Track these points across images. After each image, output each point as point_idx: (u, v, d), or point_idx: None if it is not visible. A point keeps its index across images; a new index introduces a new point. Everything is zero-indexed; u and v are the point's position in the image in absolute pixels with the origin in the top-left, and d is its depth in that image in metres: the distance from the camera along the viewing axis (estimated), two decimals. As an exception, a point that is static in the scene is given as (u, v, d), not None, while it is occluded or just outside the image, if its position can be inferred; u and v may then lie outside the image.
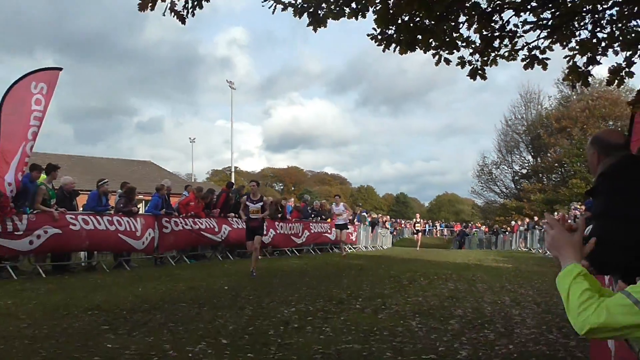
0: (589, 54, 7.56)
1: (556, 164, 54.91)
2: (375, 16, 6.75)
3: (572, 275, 2.00)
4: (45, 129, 13.36)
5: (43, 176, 14.93)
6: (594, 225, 3.99)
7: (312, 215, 25.27)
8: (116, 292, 10.46)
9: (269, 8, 6.48)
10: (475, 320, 8.55)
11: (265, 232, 16.92)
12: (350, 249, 27.09)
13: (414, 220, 43.01)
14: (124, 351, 6.08)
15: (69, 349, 6.12)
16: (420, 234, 38.87)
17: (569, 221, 2.20)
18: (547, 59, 7.63)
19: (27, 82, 13.22)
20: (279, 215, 22.62)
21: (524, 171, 59.37)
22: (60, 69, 14.06)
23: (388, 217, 50.08)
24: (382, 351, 6.28)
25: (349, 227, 24.74)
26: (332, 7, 6.55)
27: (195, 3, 5.69)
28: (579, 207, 26.82)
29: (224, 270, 15.06)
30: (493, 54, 7.65)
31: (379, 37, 7.19)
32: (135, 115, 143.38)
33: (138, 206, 17.57)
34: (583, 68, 7.65)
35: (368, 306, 9.50)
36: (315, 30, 6.61)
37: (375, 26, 6.98)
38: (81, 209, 15.68)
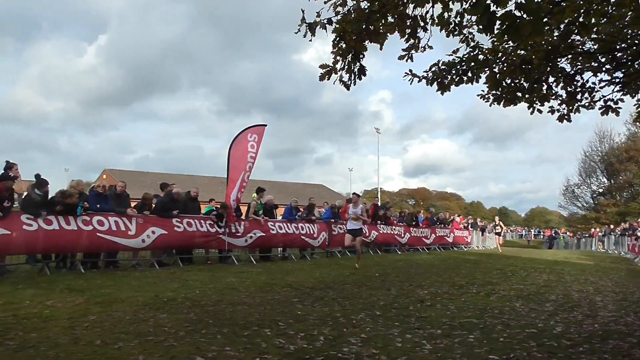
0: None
1: (627, 185, 50.96)
2: (485, 81, 6.60)
3: None
4: (256, 163, 13.98)
5: (254, 195, 15.65)
6: None
7: (437, 223, 24.70)
8: (302, 275, 10.69)
9: (408, 81, 6.48)
10: (566, 304, 7.94)
11: None
12: (464, 248, 26.09)
13: (494, 222, 30.74)
14: (308, 317, 6.18)
15: (272, 313, 6.31)
16: (500, 236, 28.70)
17: None
18: (619, 107, 7.09)
19: (246, 133, 13.97)
20: (414, 222, 22.32)
21: (600, 190, 54.93)
22: (266, 125, 14.71)
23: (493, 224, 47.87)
24: (494, 325, 5.99)
25: (364, 231, 15.56)
26: (454, 76, 6.44)
27: (356, 76, 5.73)
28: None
29: (375, 262, 14.98)
30: (576, 105, 7.21)
31: (488, 96, 6.99)
32: (314, 153, 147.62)
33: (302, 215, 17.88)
34: (650, 112, 7.11)
35: (481, 290, 9.10)
36: (442, 94, 6.54)
37: (484, 88, 6.82)
38: (280, 217, 16.28)
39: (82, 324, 5.40)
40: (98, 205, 11.31)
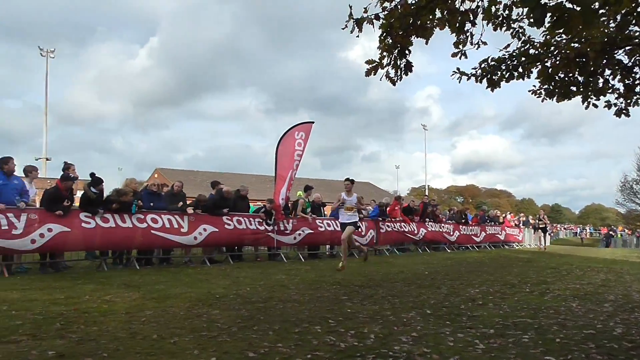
0: None
1: (690, 181, 48.47)
2: (537, 76, 6.41)
3: None
4: (303, 161, 14.06)
5: (300, 193, 15.78)
6: None
7: (487, 221, 24.23)
8: (350, 273, 10.69)
9: (457, 79, 6.35)
10: (626, 304, 7.62)
11: None
12: (516, 246, 25.44)
13: (537, 216, 27.08)
14: (358, 315, 6.18)
15: (322, 310, 6.35)
16: (546, 233, 25.84)
17: None
18: (683, 99, 6.72)
19: (293, 131, 14.07)
20: (463, 220, 22.00)
21: (661, 186, 52.22)
22: (313, 122, 14.76)
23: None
24: (550, 325, 5.82)
25: (359, 225, 12.01)
26: (504, 72, 6.29)
27: (402, 72, 5.68)
28: None
29: (423, 260, 14.85)
30: (635, 98, 6.90)
31: (540, 91, 6.78)
32: (360, 150, 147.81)
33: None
34: None
35: (535, 290, 8.85)
36: (492, 90, 6.38)
37: (536, 83, 6.62)
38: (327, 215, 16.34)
39: (139, 319, 5.58)
40: (151, 204, 11.66)
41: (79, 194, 11.81)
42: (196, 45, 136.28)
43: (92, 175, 10.83)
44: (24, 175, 10.92)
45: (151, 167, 71.36)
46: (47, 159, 42.27)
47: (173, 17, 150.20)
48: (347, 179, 11.04)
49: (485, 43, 5.57)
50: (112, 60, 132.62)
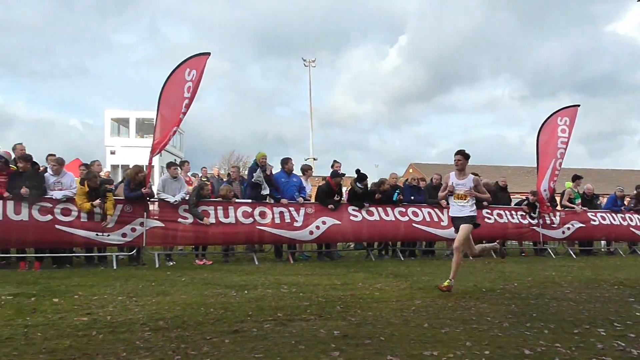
0: None
1: None
2: None
3: None
4: (569, 150, 12.98)
5: (568, 183, 14.54)
6: None
7: None
8: (635, 272, 9.45)
9: None
10: None
11: None
12: None
13: None
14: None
15: (604, 312, 5.72)
16: None
17: None
18: None
19: (555, 117, 13.16)
20: None
21: None
22: (579, 105, 13.41)
23: None
24: None
25: (478, 222, 7.35)
26: None
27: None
28: None
29: None
30: None
31: None
32: (635, 135, 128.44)
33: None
34: None
35: None
36: None
37: None
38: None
39: (409, 307, 5.79)
40: (412, 197, 12.04)
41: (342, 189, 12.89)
42: (445, 38, 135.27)
43: (358, 171, 11.64)
44: (301, 174, 12.33)
45: (406, 162, 73.44)
46: (314, 159, 47.09)
47: (421, 13, 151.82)
48: (458, 152, 7.50)
49: None
50: (365, 63, 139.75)
